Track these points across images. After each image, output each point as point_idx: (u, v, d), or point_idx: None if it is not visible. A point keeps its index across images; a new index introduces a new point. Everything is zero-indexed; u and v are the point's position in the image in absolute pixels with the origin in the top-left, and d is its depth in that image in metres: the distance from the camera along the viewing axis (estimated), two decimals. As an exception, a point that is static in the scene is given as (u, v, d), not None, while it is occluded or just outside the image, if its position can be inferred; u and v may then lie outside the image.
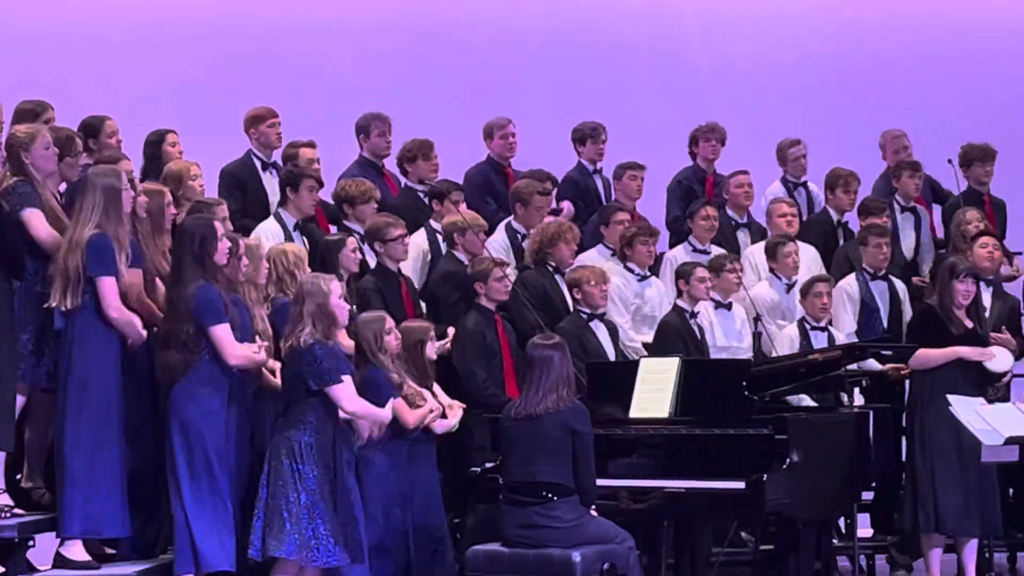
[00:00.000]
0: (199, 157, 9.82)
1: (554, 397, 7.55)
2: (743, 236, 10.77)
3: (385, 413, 7.57)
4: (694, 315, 9.66)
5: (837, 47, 13.44)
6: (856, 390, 9.15)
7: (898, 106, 12.62)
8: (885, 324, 10.13)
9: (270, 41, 12.77)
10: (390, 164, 10.60)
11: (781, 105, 12.99)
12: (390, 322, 8.07)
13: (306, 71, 12.71)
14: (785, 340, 9.72)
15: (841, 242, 10.82)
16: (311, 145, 10.09)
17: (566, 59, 13.13)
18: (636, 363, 8.63)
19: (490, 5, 13.17)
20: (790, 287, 10.16)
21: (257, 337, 7.46)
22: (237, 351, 7.26)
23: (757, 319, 9.47)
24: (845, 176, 10.88)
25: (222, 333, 7.23)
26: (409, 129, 10.63)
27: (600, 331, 9.46)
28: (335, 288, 7.39)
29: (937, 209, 11.29)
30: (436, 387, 8.36)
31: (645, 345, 9.79)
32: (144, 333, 7.42)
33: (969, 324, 8.89)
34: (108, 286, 7.26)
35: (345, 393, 7.29)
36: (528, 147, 11.14)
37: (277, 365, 7.62)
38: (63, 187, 7.95)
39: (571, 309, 9.59)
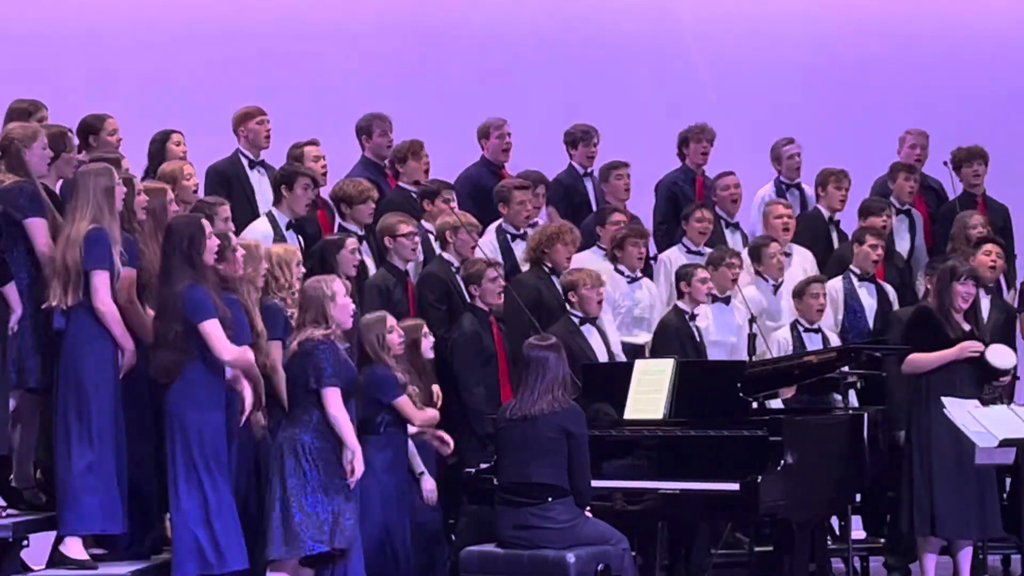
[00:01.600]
0: (198, 158, 9.86)
1: (549, 398, 7.56)
2: (730, 236, 10.69)
3: (352, 440, 7.34)
4: (694, 316, 9.65)
5: (834, 48, 13.43)
6: (851, 392, 9.17)
7: (895, 107, 12.64)
8: (871, 326, 10.14)
9: (270, 42, 12.75)
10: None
11: (777, 106, 12.99)
12: (391, 321, 8.11)
13: (305, 72, 12.72)
14: (778, 342, 9.71)
15: (834, 241, 10.81)
16: (314, 143, 10.09)
17: (562, 61, 13.12)
18: (631, 364, 8.63)
19: (487, 7, 13.17)
20: (776, 288, 10.14)
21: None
22: (229, 346, 7.18)
23: (752, 321, 9.47)
24: (836, 174, 10.85)
25: (211, 329, 7.15)
26: (407, 130, 10.65)
27: (592, 335, 9.40)
28: (338, 288, 7.36)
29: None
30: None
31: (642, 346, 9.76)
32: (127, 339, 7.35)
33: (967, 327, 8.88)
34: (100, 279, 7.22)
35: (333, 399, 7.25)
36: (524, 149, 11.14)
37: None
38: (59, 184, 7.93)
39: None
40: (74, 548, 7.29)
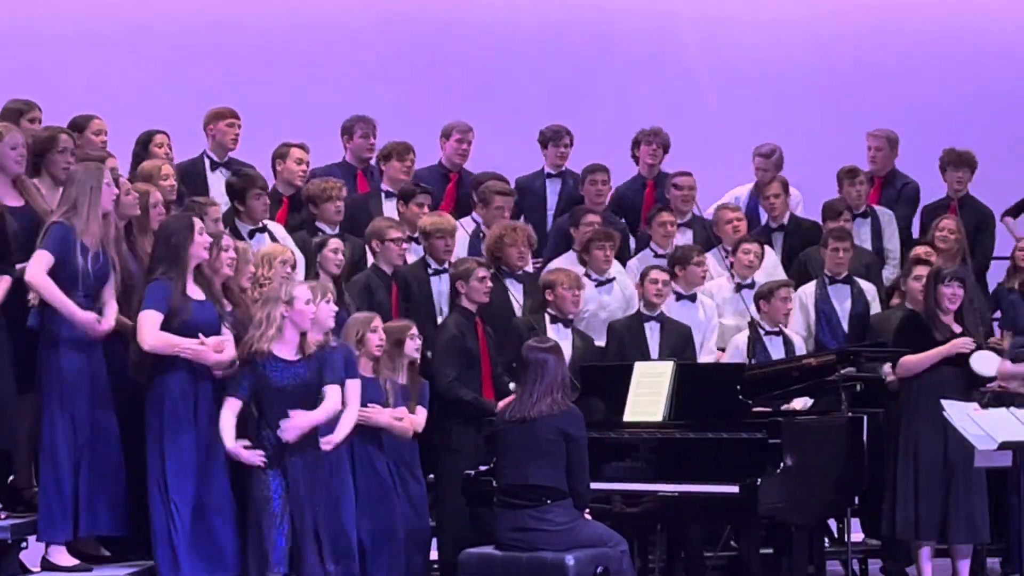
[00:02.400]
0: (188, 159, 9.87)
1: (548, 401, 7.54)
2: (679, 237, 10.60)
3: (229, 446, 7.15)
4: (650, 319, 9.60)
5: (831, 51, 13.46)
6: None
7: (891, 111, 12.62)
8: (846, 327, 10.14)
9: (260, 44, 12.77)
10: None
11: (774, 109, 13.01)
12: (376, 321, 8.09)
13: (294, 73, 12.73)
14: (736, 346, 9.70)
15: (774, 250, 10.78)
16: (302, 147, 10.08)
17: (559, 62, 13.14)
18: (630, 367, 8.63)
19: (483, 8, 13.18)
20: (740, 287, 10.13)
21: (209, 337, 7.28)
22: (151, 337, 7.06)
23: (752, 323, 9.46)
24: (759, 184, 10.89)
25: (144, 316, 7.08)
26: (397, 132, 10.64)
27: (565, 337, 9.32)
28: (299, 294, 7.24)
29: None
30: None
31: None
32: (83, 314, 7.22)
33: (957, 329, 8.89)
34: (36, 257, 7.14)
35: (225, 405, 7.14)
36: (521, 150, 11.15)
37: None
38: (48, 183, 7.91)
39: (516, 314, 9.54)
40: (59, 556, 7.28)
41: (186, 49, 12.57)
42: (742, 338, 9.75)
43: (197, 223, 7.35)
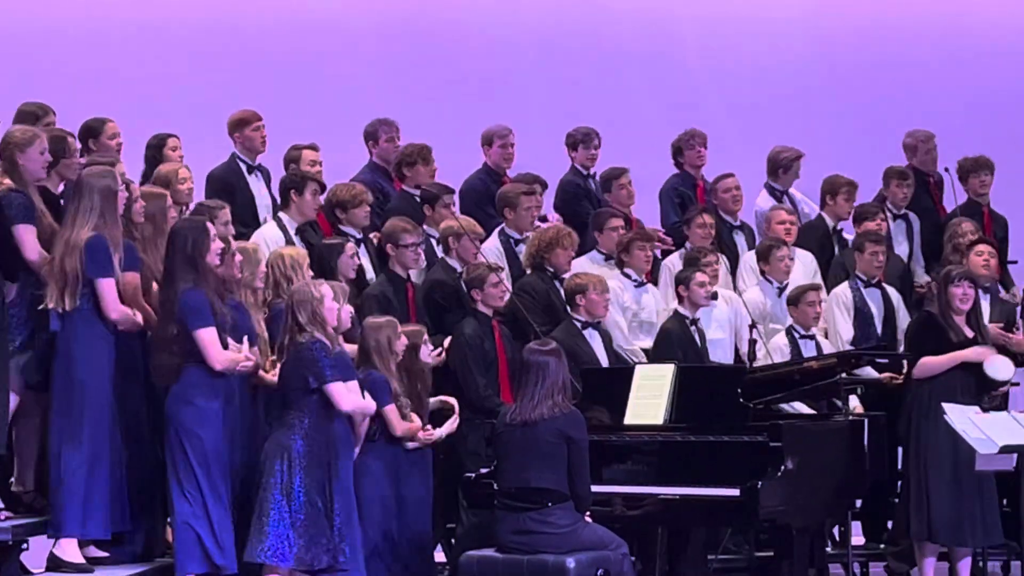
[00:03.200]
0: (198, 161, 9.88)
1: (549, 403, 7.55)
2: (739, 239, 10.72)
3: (370, 404, 7.53)
4: (694, 321, 9.65)
5: (834, 52, 13.44)
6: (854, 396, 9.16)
7: (895, 112, 12.63)
8: (880, 331, 10.13)
9: (270, 44, 12.79)
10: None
11: (777, 110, 12.99)
12: (399, 327, 8.13)
13: (305, 74, 12.73)
14: (775, 349, 9.71)
15: (836, 250, 10.80)
16: (313, 148, 10.14)
17: (562, 64, 13.14)
18: (631, 370, 8.63)
19: (488, 10, 13.18)
20: (781, 291, 10.15)
21: (246, 339, 7.38)
22: (221, 355, 7.20)
23: (753, 326, 9.47)
24: (847, 185, 10.80)
25: (205, 336, 7.18)
26: (406, 132, 10.67)
27: (594, 339, 9.43)
28: (327, 292, 7.38)
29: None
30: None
31: (645, 351, 9.76)
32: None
33: (969, 333, 8.89)
34: (108, 287, 7.24)
35: (341, 392, 7.26)
36: (525, 151, 11.15)
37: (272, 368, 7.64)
38: (60, 188, 7.92)
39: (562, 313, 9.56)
40: (69, 550, 7.29)
41: (190, 51, 12.58)
42: (782, 339, 9.77)
43: (211, 228, 7.40)
